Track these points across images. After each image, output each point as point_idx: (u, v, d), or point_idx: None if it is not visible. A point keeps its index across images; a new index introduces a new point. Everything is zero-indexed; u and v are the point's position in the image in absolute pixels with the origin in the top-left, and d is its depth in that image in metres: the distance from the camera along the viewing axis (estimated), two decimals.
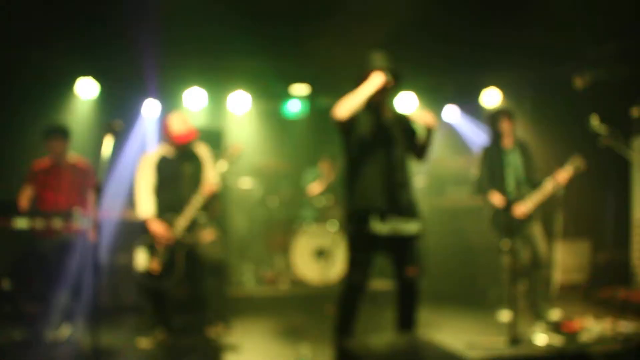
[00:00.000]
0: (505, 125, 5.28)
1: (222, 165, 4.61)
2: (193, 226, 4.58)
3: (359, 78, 3.83)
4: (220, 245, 4.71)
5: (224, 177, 4.64)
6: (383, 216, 3.70)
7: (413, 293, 3.85)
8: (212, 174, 4.69)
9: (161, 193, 4.64)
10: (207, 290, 4.63)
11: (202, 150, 4.86)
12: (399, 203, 3.75)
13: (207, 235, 4.62)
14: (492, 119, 5.35)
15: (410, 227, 3.76)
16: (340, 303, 3.84)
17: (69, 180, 5.04)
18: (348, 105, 3.63)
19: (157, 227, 4.51)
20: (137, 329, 4.72)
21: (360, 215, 3.74)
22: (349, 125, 3.74)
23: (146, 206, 4.58)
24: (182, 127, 4.62)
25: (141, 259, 4.51)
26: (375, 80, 3.69)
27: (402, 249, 3.80)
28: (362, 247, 3.78)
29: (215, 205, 4.79)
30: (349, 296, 3.82)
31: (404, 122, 3.96)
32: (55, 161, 5.09)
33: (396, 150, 3.81)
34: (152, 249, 4.52)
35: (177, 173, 4.65)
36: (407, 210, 3.78)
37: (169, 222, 4.54)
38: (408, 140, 3.92)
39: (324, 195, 6.92)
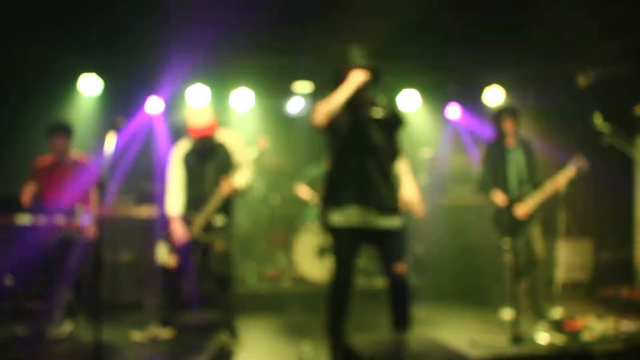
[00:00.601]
0: (508, 124, 5.26)
1: (253, 153, 4.58)
2: (210, 227, 4.54)
3: (337, 76, 3.76)
4: (228, 258, 4.65)
5: (248, 170, 4.56)
6: (359, 209, 3.68)
7: (404, 290, 3.82)
8: (242, 163, 4.59)
9: (187, 189, 4.63)
10: (216, 299, 4.63)
11: (231, 139, 4.74)
12: (378, 197, 3.70)
13: (219, 244, 4.55)
14: (496, 117, 5.32)
15: (389, 221, 3.73)
16: (330, 301, 3.82)
17: (71, 178, 5.02)
18: (326, 110, 3.58)
19: (177, 228, 4.51)
20: (138, 325, 4.70)
21: (336, 209, 3.73)
22: (329, 126, 3.69)
23: (173, 204, 4.59)
24: (198, 120, 4.51)
25: (161, 254, 4.55)
26: (354, 80, 3.59)
27: (385, 245, 3.78)
28: (343, 242, 3.75)
29: (233, 204, 4.72)
30: (337, 293, 3.81)
31: (388, 114, 3.83)
32: (57, 158, 5.08)
33: (376, 145, 3.75)
34: (171, 243, 4.54)
35: (201, 168, 4.60)
36: (387, 204, 3.74)
37: (189, 221, 4.53)
38: (391, 133, 3.85)
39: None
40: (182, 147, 4.71)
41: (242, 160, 4.64)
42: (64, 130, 5.09)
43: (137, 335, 4.57)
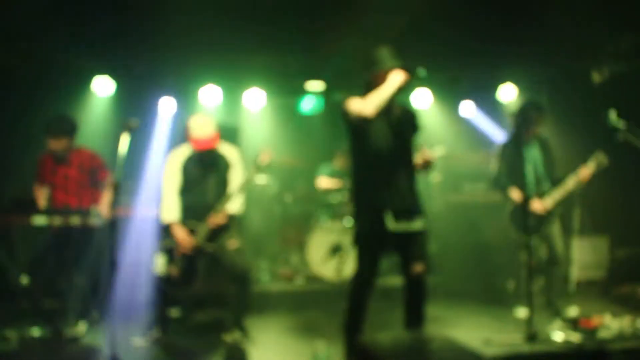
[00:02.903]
0: (538, 121, 5.25)
1: (252, 174, 4.51)
2: (216, 233, 4.50)
3: (372, 77, 3.73)
4: (244, 253, 4.63)
5: (250, 183, 4.52)
6: (392, 213, 3.69)
7: (420, 290, 3.83)
8: (238, 179, 4.58)
9: (186, 196, 4.54)
10: (230, 298, 4.57)
11: (231, 153, 4.72)
12: (406, 199, 3.74)
13: (232, 243, 4.52)
14: (523, 114, 5.23)
15: (416, 223, 3.75)
16: (350, 300, 3.85)
17: (76, 179, 4.96)
18: (375, 103, 3.52)
19: (180, 234, 4.41)
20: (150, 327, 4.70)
21: (370, 213, 3.75)
22: (364, 124, 3.63)
23: (171, 210, 4.48)
24: (203, 131, 4.43)
25: (160, 263, 4.44)
26: (399, 79, 3.58)
27: (408, 246, 3.78)
28: (371, 244, 3.78)
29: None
30: (358, 293, 3.83)
31: (409, 117, 3.91)
32: (59, 159, 4.94)
33: (403, 146, 3.78)
34: (172, 254, 4.44)
35: (203, 177, 4.54)
36: (413, 206, 3.77)
37: (192, 229, 4.45)
38: (412, 135, 3.89)
39: (339, 191, 6.91)
40: (181, 153, 4.61)
41: (237, 177, 4.63)
42: (62, 131, 4.82)
43: (138, 340, 4.52)
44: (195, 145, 4.47)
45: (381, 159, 3.73)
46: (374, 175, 3.74)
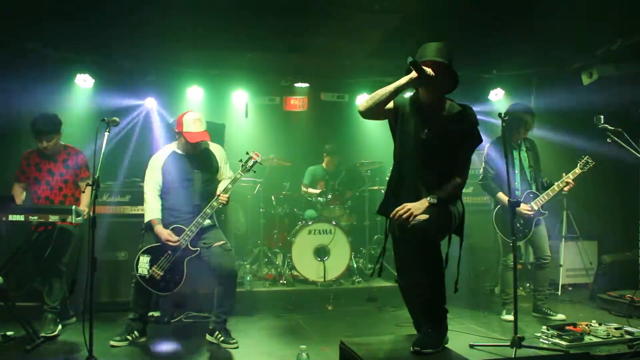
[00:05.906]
0: (528, 124, 5.23)
1: (240, 174, 4.48)
2: (202, 233, 4.48)
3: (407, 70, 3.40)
4: (231, 254, 4.60)
5: (235, 183, 4.48)
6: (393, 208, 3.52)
7: (416, 289, 3.79)
8: (226, 179, 4.59)
9: (171, 195, 4.53)
10: (215, 299, 4.52)
11: (218, 152, 4.73)
12: (413, 194, 3.46)
13: (218, 243, 4.50)
14: (515, 117, 5.18)
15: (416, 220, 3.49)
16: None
17: (61, 175, 4.89)
18: (369, 100, 3.39)
19: (163, 233, 4.40)
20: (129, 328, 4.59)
21: (388, 204, 3.60)
22: (383, 117, 3.55)
23: (152, 210, 4.48)
24: (195, 126, 4.47)
25: (143, 263, 4.41)
26: (405, 77, 3.35)
27: (402, 243, 3.66)
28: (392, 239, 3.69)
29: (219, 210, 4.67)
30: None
31: (457, 119, 3.53)
32: (45, 155, 4.88)
33: (430, 145, 3.45)
34: (155, 253, 4.41)
35: (189, 176, 4.55)
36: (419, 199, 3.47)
37: (177, 228, 4.43)
38: (452, 139, 3.50)
39: (324, 193, 6.87)
40: (163, 154, 4.62)
41: (222, 168, 4.68)
42: (48, 130, 4.76)
43: (116, 341, 4.44)
44: (188, 137, 4.45)
45: (402, 158, 3.55)
46: (393, 173, 3.63)
